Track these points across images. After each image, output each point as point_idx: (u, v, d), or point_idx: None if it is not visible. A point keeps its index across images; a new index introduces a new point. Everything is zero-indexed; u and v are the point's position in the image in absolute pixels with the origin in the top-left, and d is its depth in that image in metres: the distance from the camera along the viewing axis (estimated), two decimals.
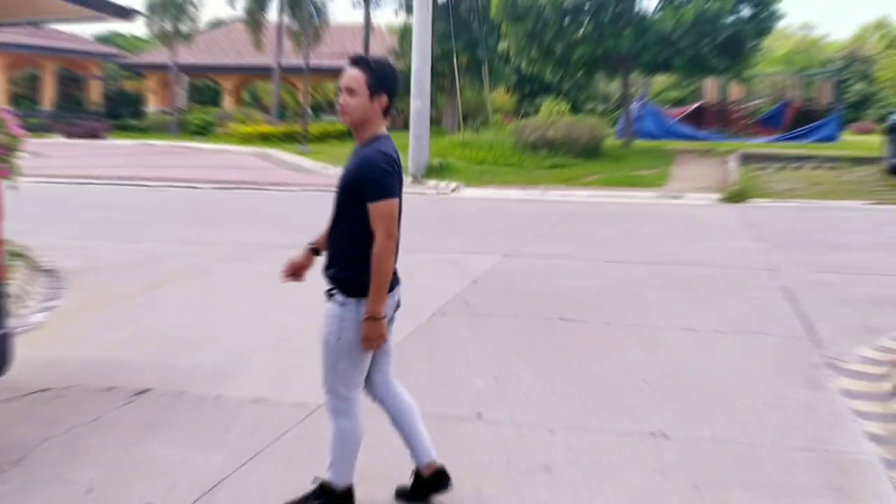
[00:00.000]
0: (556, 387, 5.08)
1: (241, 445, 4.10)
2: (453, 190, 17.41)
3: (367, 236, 3.20)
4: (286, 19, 32.53)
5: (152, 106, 40.61)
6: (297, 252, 3.56)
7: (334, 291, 3.31)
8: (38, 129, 35.23)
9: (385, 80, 3.27)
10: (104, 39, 48.98)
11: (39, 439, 4.13)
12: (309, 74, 29.57)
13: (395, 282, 3.34)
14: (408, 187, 17.81)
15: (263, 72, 36.90)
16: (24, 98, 45.75)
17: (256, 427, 4.34)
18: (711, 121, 33.59)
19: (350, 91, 3.23)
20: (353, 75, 3.24)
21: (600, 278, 8.44)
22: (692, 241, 10.96)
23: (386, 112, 3.32)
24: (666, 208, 14.95)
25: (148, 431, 4.27)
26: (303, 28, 30.94)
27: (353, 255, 3.26)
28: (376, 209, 3.19)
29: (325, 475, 3.40)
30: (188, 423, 4.40)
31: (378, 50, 37.10)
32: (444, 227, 12.26)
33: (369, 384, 3.49)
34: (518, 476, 3.84)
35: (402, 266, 3.37)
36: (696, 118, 33.61)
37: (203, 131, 33.07)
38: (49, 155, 25.21)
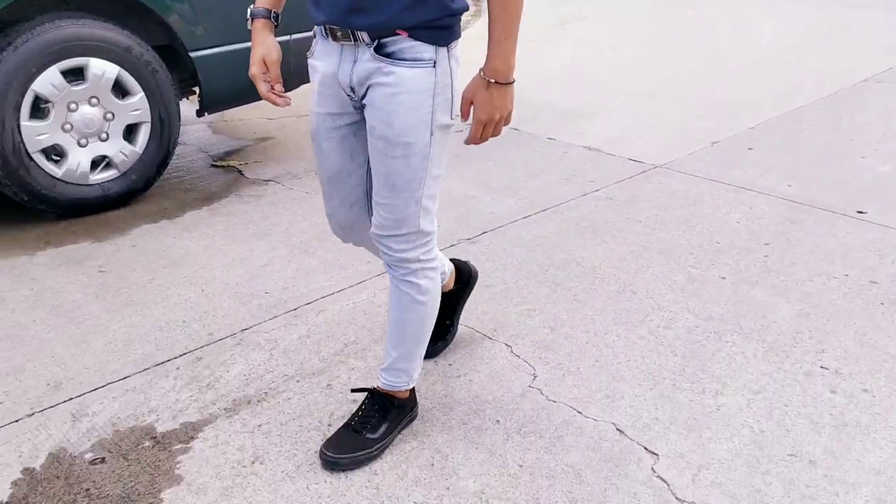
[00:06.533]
0: None
1: (547, 191, 3.39)
2: None
3: None
4: None
5: None
6: None
7: (394, 44, 1.57)
8: None
9: None
10: None
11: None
12: None
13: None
14: None
15: None
16: None
17: (577, 173, 3.57)
18: None
19: None
20: None
21: None
22: None
23: None
24: None
25: (455, 164, 3.75)
26: None
27: None
28: None
29: (392, 379, 1.88)
30: (503, 159, 3.79)
31: None
32: None
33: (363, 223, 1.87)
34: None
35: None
36: None
37: None
38: None
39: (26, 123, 2.92)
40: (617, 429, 1.91)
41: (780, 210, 3.20)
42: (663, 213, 3.17)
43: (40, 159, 2.98)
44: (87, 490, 1.72)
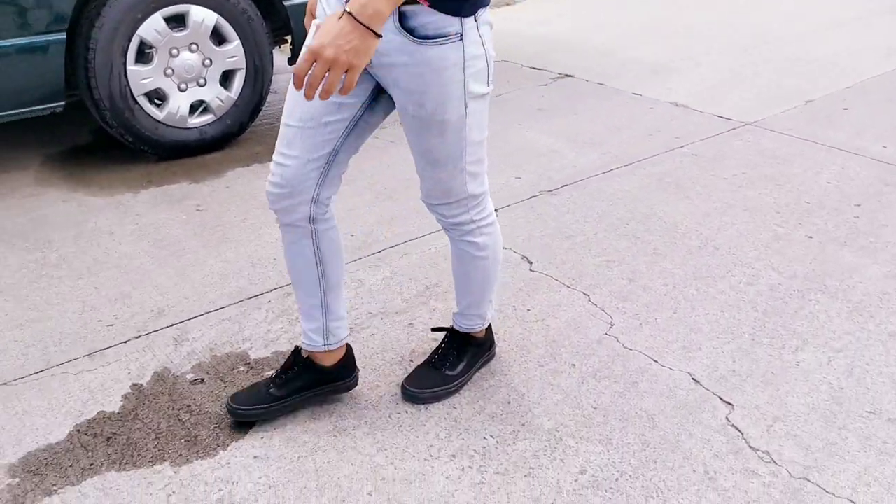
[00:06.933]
0: None
1: (630, 146, 3.37)
2: None
3: None
4: None
5: None
6: None
7: (416, 16, 1.42)
8: None
9: None
10: None
11: None
12: None
13: None
14: None
15: None
16: None
17: (663, 129, 3.52)
18: None
19: None
20: None
21: None
22: None
23: None
24: None
25: (539, 118, 3.76)
26: None
27: None
28: None
29: (466, 323, 1.93)
30: (587, 113, 3.76)
31: None
32: None
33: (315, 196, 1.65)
34: None
35: None
36: None
37: None
38: None
39: (132, 68, 3.07)
40: (692, 378, 1.93)
41: (874, 171, 3.09)
42: (751, 171, 3.11)
43: (144, 102, 3.13)
44: (189, 406, 1.86)
